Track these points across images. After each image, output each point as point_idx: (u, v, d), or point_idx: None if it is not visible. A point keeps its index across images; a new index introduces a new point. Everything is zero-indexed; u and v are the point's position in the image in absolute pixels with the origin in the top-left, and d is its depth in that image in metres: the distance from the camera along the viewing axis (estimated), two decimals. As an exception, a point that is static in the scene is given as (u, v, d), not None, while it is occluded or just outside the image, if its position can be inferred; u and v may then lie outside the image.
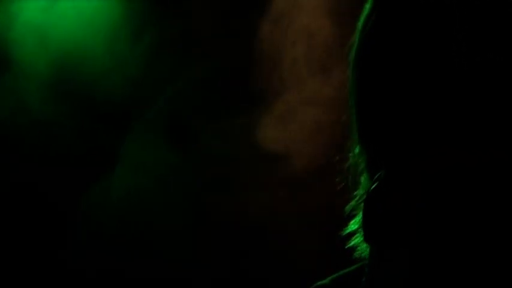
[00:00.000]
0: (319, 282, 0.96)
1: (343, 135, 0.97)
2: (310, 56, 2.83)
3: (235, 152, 2.85)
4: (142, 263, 2.94)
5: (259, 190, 2.85)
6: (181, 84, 2.93)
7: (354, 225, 0.91)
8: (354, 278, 0.93)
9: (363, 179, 0.93)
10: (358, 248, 0.91)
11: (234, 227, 2.92)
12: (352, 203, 0.92)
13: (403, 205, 0.82)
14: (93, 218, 2.93)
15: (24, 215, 2.95)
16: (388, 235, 0.83)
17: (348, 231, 0.91)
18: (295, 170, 2.83)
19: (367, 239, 0.86)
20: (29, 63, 2.94)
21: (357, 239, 0.91)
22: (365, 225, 0.85)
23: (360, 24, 0.90)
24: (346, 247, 0.91)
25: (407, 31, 0.83)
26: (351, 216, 0.91)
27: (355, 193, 0.93)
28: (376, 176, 0.85)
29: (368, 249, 0.90)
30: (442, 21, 0.82)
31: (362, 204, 0.87)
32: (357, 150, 0.93)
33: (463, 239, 0.77)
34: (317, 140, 2.76)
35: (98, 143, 2.95)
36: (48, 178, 2.91)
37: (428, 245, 0.79)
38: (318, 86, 2.80)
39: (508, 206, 0.76)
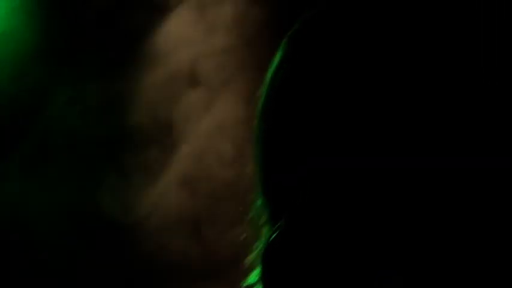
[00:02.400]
0: None
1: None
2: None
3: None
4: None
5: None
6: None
7: (253, 277, 0.90)
8: None
9: (265, 230, 0.92)
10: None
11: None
12: (253, 255, 0.92)
13: (302, 256, 0.81)
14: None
15: None
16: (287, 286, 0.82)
17: (247, 283, 0.90)
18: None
19: None
20: None
21: (255, 292, 0.90)
22: (264, 277, 0.84)
23: (268, 76, 0.90)
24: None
25: (317, 86, 0.83)
26: (252, 269, 0.90)
27: (256, 245, 0.93)
28: (276, 226, 0.84)
29: None
30: (355, 81, 0.82)
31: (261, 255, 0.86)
32: (259, 202, 0.92)
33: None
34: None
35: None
36: None
37: None
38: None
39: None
